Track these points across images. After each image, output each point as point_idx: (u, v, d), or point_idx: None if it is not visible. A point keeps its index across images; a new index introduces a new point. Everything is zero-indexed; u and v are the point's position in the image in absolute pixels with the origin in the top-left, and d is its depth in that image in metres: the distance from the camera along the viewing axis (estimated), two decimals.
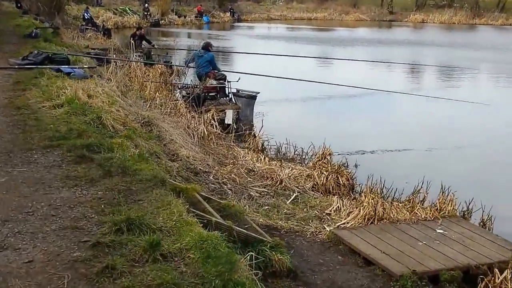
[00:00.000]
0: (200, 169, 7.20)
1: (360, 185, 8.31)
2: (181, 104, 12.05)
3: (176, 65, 17.28)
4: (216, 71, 13.32)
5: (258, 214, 6.44)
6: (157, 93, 14.42)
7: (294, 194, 7.24)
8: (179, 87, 13.78)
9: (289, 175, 7.87)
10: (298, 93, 16.05)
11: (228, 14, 54.52)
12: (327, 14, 59.02)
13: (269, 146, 10.69)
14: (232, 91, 13.29)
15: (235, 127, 11.84)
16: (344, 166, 9.15)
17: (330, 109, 15.85)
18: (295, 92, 15.84)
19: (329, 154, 9.36)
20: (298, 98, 16.22)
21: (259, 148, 10.57)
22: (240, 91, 13.30)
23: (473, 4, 54.77)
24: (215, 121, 11.94)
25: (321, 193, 7.70)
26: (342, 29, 46.02)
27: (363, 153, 10.55)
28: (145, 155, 6.05)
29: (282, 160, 9.23)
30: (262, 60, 19.82)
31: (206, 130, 8.94)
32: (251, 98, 13.18)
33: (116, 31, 35.89)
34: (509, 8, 54.18)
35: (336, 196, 7.24)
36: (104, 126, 7.20)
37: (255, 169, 7.77)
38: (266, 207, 6.71)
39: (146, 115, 8.63)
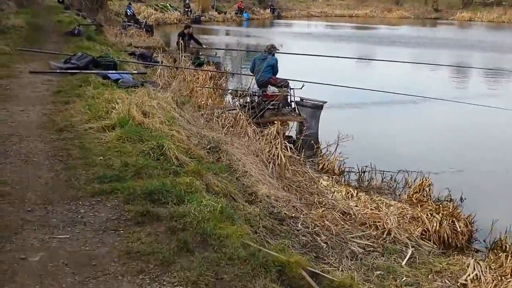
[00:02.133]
0: (285, 213, 5.50)
1: (479, 230, 6.52)
2: (240, 116, 10.37)
3: (238, 73, 15.19)
4: (278, 78, 11.60)
5: (371, 285, 4.71)
6: (210, 100, 12.87)
7: (409, 251, 5.47)
8: (237, 94, 12.08)
9: (389, 215, 6.11)
10: (342, 97, 14.10)
11: (268, 10, 52.75)
12: (369, 11, 56.70)
13: (344, 167, 8.94)
14: (295, 99, 11.59)
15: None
16: (448, 200, 7.37)
17: (393, 118, 13.90)
18: (338, 96, 13.82)
19: (429, 184, 7.59)
20: (345, 103, 14.27)
21: (335, 171, 8.84)
22: (304, 100, 11.57)
23: None
24: (280, 136, 10.27)
25: (437, 245, 5.95)
26: (386, 27, 43.74)
27: (466, 181, 8.67)
28: (228, 211, 4.37)
29: (372, 192, 7.51)
30: (302, 61, 17.79)
31: (283, 156, 7.23)
32: (317, 108, 11.43)
33: (157, 28, 34.43)
34: None
35: (471, 259, 5.42)
36: (166, 157, 5.55)
37: (351, 212, 6.03)
38: (378, 272, 4.96)
39: (211, 137, 6.96)
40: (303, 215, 5.65)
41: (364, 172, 8.50)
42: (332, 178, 7.85)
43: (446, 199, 7.50)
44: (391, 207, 6.74)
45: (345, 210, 6.02)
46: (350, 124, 12.15)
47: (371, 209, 6.41)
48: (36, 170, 5.00)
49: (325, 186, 7.03)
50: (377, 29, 42.55)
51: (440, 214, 6.36)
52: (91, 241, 3.70)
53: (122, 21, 30.24)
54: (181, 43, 15.79)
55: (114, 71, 10.11)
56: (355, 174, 8.62)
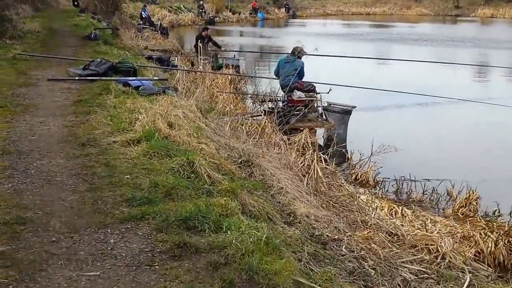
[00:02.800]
0: (327, 236, 5.07)
1: None
2: (265, 123, 9.96)
3: (263, 77, 14.56)
4: (304, 82, 11.16)
5: None
6: (231, 105, 12.48)
7: (467, 277, 5.00)
8: (262, 99, 11.67)
9: (443, 237, 5.63)
10: (366, 99, 13.58)
11: (283, 10, 52.29)
12: (387, 9, 55.98)
13: (380, 177, 8.49)
14: (322, 104, 11.15)
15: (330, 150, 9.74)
16: (497, 215, 6.92)
17: (422, 120, 13.32)
18: (361, 99, 13.26)
19: (476, 198, 7.12)
20: (370, 105, 13.72)
21: (370, 182, 8.40)
22: (332, 105, 11.12)
23: None
24: (316, 148, 9.83)
25: (492, 268, 5.49)
26: (408, 25, 43.02)
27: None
28: (274, 241, 3.95)
29: (414, 207, 7.06)
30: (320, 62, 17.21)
31: (320, 170, 6.79)
32: (346, 113, 10.99)
33: (171, 30, 34.16)
34: None
35: None
36: (197, 175, 5.15)
37: (399, 232, 5.57)
38: None
39: (240, 149, 6.55)
40: (347, 237, 5.21)
41: (402, 183, 8.04)
42: (370, 191, 7.37)
43: (495, 213, 7.04)
44: (437, 224, 6.28)
45: (392, 231, 5.56)
46: (378, 128, 11.70)
47: (418, 228, 5.95)
48: (60, 191, 4.63)
49: (364, 202, 6.58)
50: (397, 27, 41.87)
51: (494, 233, 5.88)
52: (124, 279, 3.30)
53: (137, 23, 30.01)
54: (200, 46, 15.43)
55: (134, 78, 9.74)
56: (392, 185, 8.16)
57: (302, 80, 11.13)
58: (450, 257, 5.20)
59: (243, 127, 9.28)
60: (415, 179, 8.12)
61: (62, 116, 7.13)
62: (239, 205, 4.82)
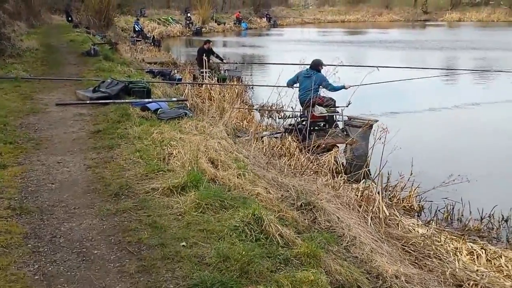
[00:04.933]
0: None
1: None
2: (290, 143, 8.65)
3: (279, 86, 12.78)
4: (324, 96, 9.83)
5: None
6: (245, 121, 11.15)
7: None
8: (281, 116, 10.35)
9: None
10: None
11: (264, 19, 50.98)
12: (360, 16, 54.99)
13: (424, 201, 7.21)
14: (342, 119, 9.84)
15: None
16: None
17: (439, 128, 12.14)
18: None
19: None
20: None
21: (413, 207, 7.13)
22: (352, 119, 9.82)
23: None
24: (339, 165, 8.54)
25: None
26: (382, 31, 42.02)
27: None
28: None
29: (475, 237, 5.83)
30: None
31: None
32: (369, 127, 9.69)
33: (161, 41, 32.56)
34: None
35: None
36: (267, 234, 3.81)
37: (494, 287, 4.32)
38: None
39: (292, 187, 5.22)
40: None
41: (453, 207, 6.79)
42: (430, 225, 6.09)
43: None
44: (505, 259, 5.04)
45: (491, 287, 4.30)
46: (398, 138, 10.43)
47: (506, 275, 4.70)
48: (103, 274, 3.26)
49: (438, 242, 5.30)
50: (370, 33, 40.83)
51: None
52: None
53: (130, 36, 28.44)
54: (205, 60, 14.03)
55: (151, 100, 8.34)
56: (440, 210, 6.90)
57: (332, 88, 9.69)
58: None
59: (271, 149, 7.94)
60: (461, 201, 6.86)
61: (81, 153, 5.72)
62: (324, 274, 3.52)
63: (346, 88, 9.65)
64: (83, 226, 3.89)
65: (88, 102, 8.32)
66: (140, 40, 27.03)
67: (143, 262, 3.37)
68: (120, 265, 3.35)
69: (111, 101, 8.24)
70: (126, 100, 8.26)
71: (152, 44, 27.09)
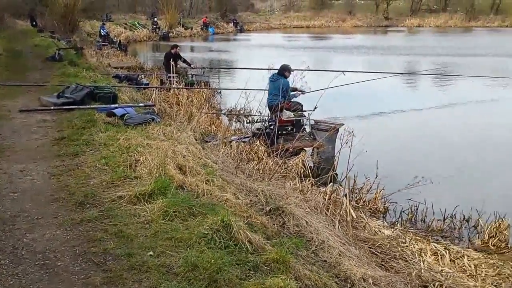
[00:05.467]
0: None
1: None
2: (258, 148, 8.58)
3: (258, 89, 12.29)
4: (291, 101, 9.81)
5: None
6: (213, 126, 11.02)
7: None
8: (249, 120, 10.29)
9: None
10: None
11: (231, 25, 50.89)
12: (325, 22, 55.47)
13: (389, 202, 7.24)
14: (310, 122, 9.83)
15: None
16: None
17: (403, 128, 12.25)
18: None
19: (507, 227, 6.00)
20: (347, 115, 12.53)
21: (379, 208, 7.16)
22: (319, 123, 9.83)
23: (468, 7, 51.27)
24: (307, 169, 8.52)
25: None
26: (347, 36, 42.48)
27: None
28: None
29: (442, 239, 5.89)
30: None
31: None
32: (335, 131, 9.71)
33: (128, 46, 32.09)
34: (504, 10, 50.86)
35: None
36: (236, 241, 3.73)
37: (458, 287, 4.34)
38: None
39: (261, 192, 5.16)
40: None
41: (416, 208, 6.85)
42: (395, 226, 6.12)
43: None
44: (482, 265, 5.10)
45: (455, 287, 4.32)
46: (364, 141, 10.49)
47: (471, 275, 4.74)
48: (66, 286, 3.12)
49: (403, 243, 5.31)
50: (335, 38, 41.23)
51: None
52: None
53: (96, 41, 27.91)
54: (172, 65, 13.85)
55: (118, 105, 8.15)
56: (404, 212, 6.95)
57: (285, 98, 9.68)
58: None
59: (240, 153, 7.86)
60: (425, 202, 6.92)
61: (45, 160, 5.52)
62: (293, 280, 3.47)
63: (296, 96, 9.74)
64: (46, 237, 3.73)
65: (52, 108, 8.08)
66: (106, 45, 26.56)
67: (109, 273, 3.24)
68: (85, 277, 3.21)
69: (76, 107, 8.03)
70: (92, 106, 8.06)
71: (118, 48, 26.64)
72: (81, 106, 8.05)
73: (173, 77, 13.77)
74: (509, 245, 5.87)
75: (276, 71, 9.72)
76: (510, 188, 8.12)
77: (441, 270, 4.67)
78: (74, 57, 15.98)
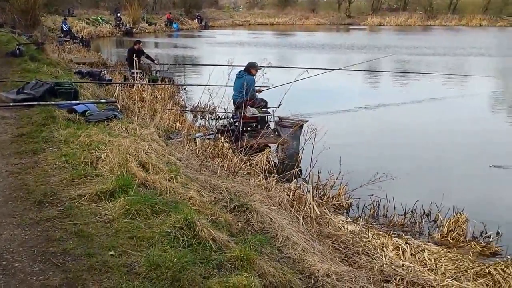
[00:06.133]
0: None
1: None
2: (223, 145, 8.51)
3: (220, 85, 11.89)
4: (256, 98, 9.75)
5: None
6: (177, 123, 10.88)
7: None
8: (214, 117, 10.20)
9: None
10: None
11: (196, 21, 50.52)
12: (288, 19, 55.72)
13: (352, 198, 7.29)
14: (274, 119, 9.82)
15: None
16: (484, 236, 6.00)
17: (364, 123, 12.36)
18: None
19: (465, 221, 6.12)
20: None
21: (342, 204, 7.21)
22: (284, 119, 9.85)
23: (426, 6, 52.36)
24: (271, 165, 8.50)
25: None
26: (310, 34, 42.76)
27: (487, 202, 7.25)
28: None
29: (404, 233, 5.97)
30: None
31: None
32: (299, 127, 9.73)
33: (91, 41, 31.40)
34: (461, 9, 52.20)
35: None
36: (200, 240, 3.66)
37: (420, 282, 4.38)
38: None
39: (225, 189, 5.10)
40: None
41: (378, 204, 6.92)
42: (358, 222, 6.16)
43: (482, 234, 6.10)
44: (442, 259, 5.19)
45: (415, 281, 4.37)
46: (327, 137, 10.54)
47: (431, 268, 4.82)
48: None
49: (366, 238, 5.34)
50: (298, 36, 41.43)
51: (511, 268, 4.84)
52: None
53: (58, 36, 27.23)
54: (136, 61, 13.60)
55: (79, 102, 7.94)
56: (367, 207, 7.02)
57: (248, 95, 9.59)
58: None
59: (204, 150, 7.78)
60: (386, 197, 7.01)
61: (3, 158, 5.31)
62: (257, 277, 3.44)
63: (258, 92, 9.72)
64: (3, 237, 3.58)
65: (11, 104, 7.80)
66: (68, 40, 25.97)
67: (68, 274, 3.13)
68: (43, 278, 3.09)
69: (36, 103, 7.77)
70: (52, 102, 7.83)
71: (80, 44, 26.09)
72: (41, 103, 7.81)
73: (137, 73, 13.52)
74: (467, 239, 5.99)
75: (243, 68, 9.64)
76: (468, 183, 8.32)
77: (403, 265, 4.72)
78: (35, 52, 15.49)
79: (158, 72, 15.26)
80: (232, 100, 9.64)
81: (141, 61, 14.67)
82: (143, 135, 6.19)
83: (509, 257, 5.25)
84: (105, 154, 5.17)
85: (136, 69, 13.59)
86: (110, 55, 24.75)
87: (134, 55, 13.76)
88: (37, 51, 16.06)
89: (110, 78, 14.15)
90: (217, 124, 9.72)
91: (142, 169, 4.85)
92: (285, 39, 39.56)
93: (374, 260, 4.72)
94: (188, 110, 12.00)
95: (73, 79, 11.33)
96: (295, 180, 7.04)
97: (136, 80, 13.34)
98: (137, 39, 15.76)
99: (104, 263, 3.25)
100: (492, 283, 4.71)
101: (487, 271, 4.85)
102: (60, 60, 17.00)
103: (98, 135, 5.94)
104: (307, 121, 9.76)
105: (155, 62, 15.46)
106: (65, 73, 12.86)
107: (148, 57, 15.01)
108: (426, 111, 13.75)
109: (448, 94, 16.00)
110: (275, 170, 8.12)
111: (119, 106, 9.48)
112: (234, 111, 9.76)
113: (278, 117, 9.81)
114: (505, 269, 4.83)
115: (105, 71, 15.92)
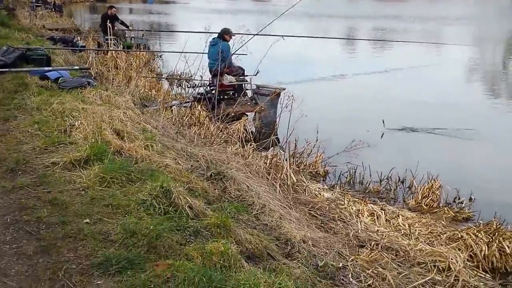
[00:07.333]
0: (332, 265, 3.83)
1: None
2: (200, 113, 8.43)
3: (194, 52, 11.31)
4: (233, 65, 9.65)
5: None
6: (153, 91, 10.72)
7: None
8: (190, 84, 10.08)
9: (453, 253, 4.53)
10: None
11: None
12: None
13: (326, 166, 7.33)
14: (251, 87, 9.76)
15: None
16: (457, 202, 6.14)
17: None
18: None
19: (439, 187, 6.23)
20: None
21: (319, 172, 7.26)
22: (261, 87, 9.78)
23: None
24: (248, 133, 8.47)
25: (488, 273, 4.58)
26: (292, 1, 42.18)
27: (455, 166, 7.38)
28: None
29: (377, 200, 6.06)
30: None
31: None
32: (276, 95, 9.69)
33: (64, 7, 30.55)
34: None
35: None
36: (177, 207, 3.65)
37: (394, 246, 4.46)
38: None
39: (202, 157, 5.08)
40: (350, 262, 4.00)
41: (354, 171, 6.99)
42: (334, 189, 6.21)
43: (456, 200, 6.24)
44: (415, 225, 5.29)
45: (390, 245, 4.45)
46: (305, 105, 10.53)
47: (405, 233, 4.91)
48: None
49: (342, 205, 5.40)
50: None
51: (482, 232, 4.96)
52: None
53: (30, 2, 26.36)
54: (109, 27, 13.28)
55: (51, 68, 7.75)
56: (343, 174, 7.08)
57: (225, 62, 9.45)
58: (465, 277, 4.19)
59: (181, 118, 7.71)
60: (363, 165, 7.06)
61: None
62: (234, 244, 3.45)
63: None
64: None
65: None
66: (40, 6, 25.24)
67: (42, 242, 3.08)
68: (17, 246, 3.04)
69: (7, 69, 7.56)
70: (24, 69, 7.62)
71: (53, 10, 25.37)
72: (12, 69, 7.59)
73: (111, 39, 13.22)
74: (440, 205, 6.10)
75: (217, 35, 9.49)
76: (442, 150, 8.45)
77: (377, 230, 4.79)
78: (6, 18, 15.03)
79: (133, 38, 14.96)
80: (208, 68, 9.51)
81: (115, 27, 14.34)
82: (117, 102, 6.09)
83: (480, 222, 5.37)
84: (79, 121, 5.08)
85: (110, 35, 13.29)
86: (84, 21, 24.19)
87: (108, 21, 13.42)
88: (8, 17, 15.59)
89: (84, 44, 13.82)
90: (194, 92, 9.62)
91: (117, 137, 4.78)
92: (264, 6, 39.06)
93: (350, 226, 4.78)
94: (164, 78, 11.84)
95: (45, 46, 11.02)
96: (272, 148, 7.05)
97: (110, 46, 13.06)
98: (110, 5, 15.36)
99: (79, 231, 3.21)
100: (464, 247, 4.82)
101: (460, 236, 4.96)
102: (32, 26, 16.54)
103: (71, 102, 5.83)
104: (284, 89, 9.69)
105: (130, 28, 15.12)
106: (37, 39, 12.52)
107: (122, 23, 14.68)
108: (404, 78, 13.83)
109: (427, 61, 16.09)
110: (252, 138, 8.08)
111: (93, 73, 9.28)
112: (211, 79, 9.65)
113: (256, 85, 9.74)
114: (477, 233, 4.95)
115: (79, 38, 15.55)
